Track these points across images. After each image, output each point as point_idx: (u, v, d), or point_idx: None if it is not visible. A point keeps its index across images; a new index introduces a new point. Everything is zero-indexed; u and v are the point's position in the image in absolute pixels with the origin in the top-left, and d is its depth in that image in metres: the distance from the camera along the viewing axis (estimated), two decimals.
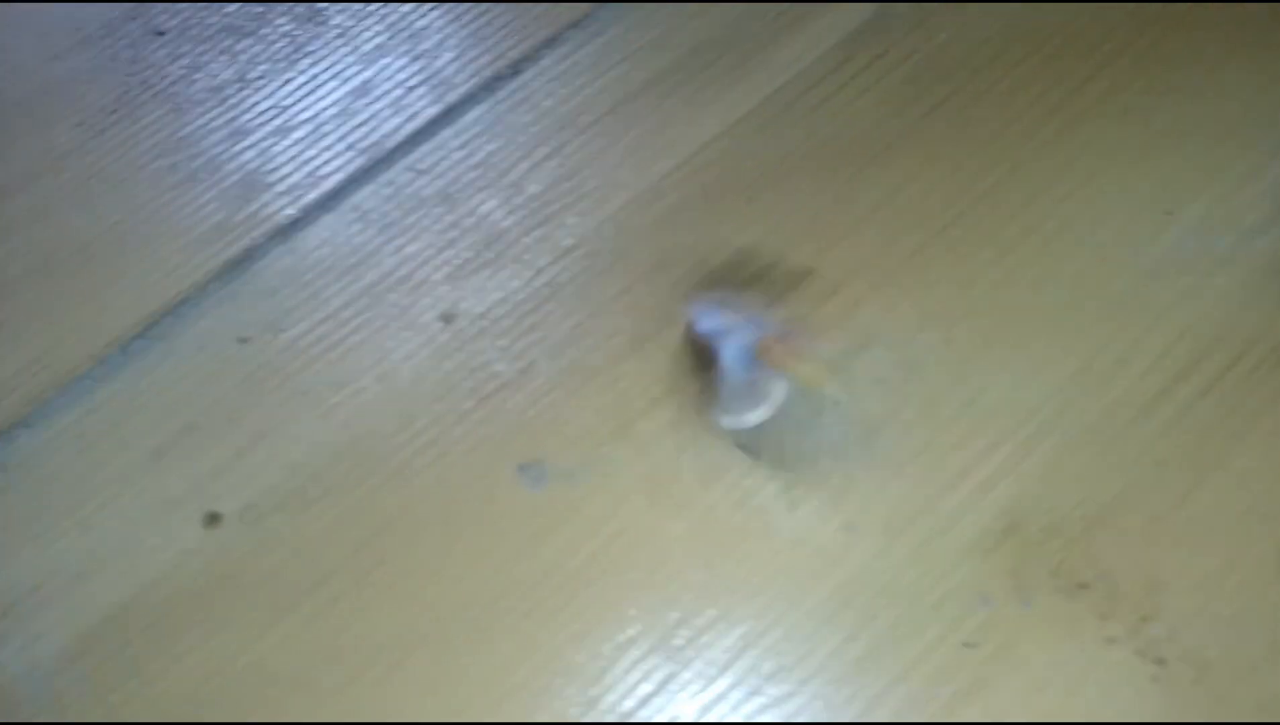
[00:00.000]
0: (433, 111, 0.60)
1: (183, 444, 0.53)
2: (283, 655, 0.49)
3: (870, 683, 0.47)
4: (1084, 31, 0.60)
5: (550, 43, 0.62)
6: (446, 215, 0.57)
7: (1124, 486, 0.50)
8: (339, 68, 0.62)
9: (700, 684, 0.47)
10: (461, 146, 0.59)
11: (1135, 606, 0.48)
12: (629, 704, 0.47)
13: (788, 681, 0.47)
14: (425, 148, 0.59)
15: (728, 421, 0.49)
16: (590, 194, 0.58)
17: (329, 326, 0.55)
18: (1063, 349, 0.53)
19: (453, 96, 0.61)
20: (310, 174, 0.59)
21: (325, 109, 0.61)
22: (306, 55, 0.62)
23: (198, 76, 0.62)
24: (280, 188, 0.59)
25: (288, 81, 0.62)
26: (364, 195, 0.58)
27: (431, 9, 0.63)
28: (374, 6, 0.63)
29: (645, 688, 0.47)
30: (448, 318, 0.55)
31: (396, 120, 0.60)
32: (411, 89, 0.61)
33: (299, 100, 0.61)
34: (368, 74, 0.62)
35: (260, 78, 0.62)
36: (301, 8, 0.64)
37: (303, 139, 0.60)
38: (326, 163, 0.59)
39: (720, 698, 0.47)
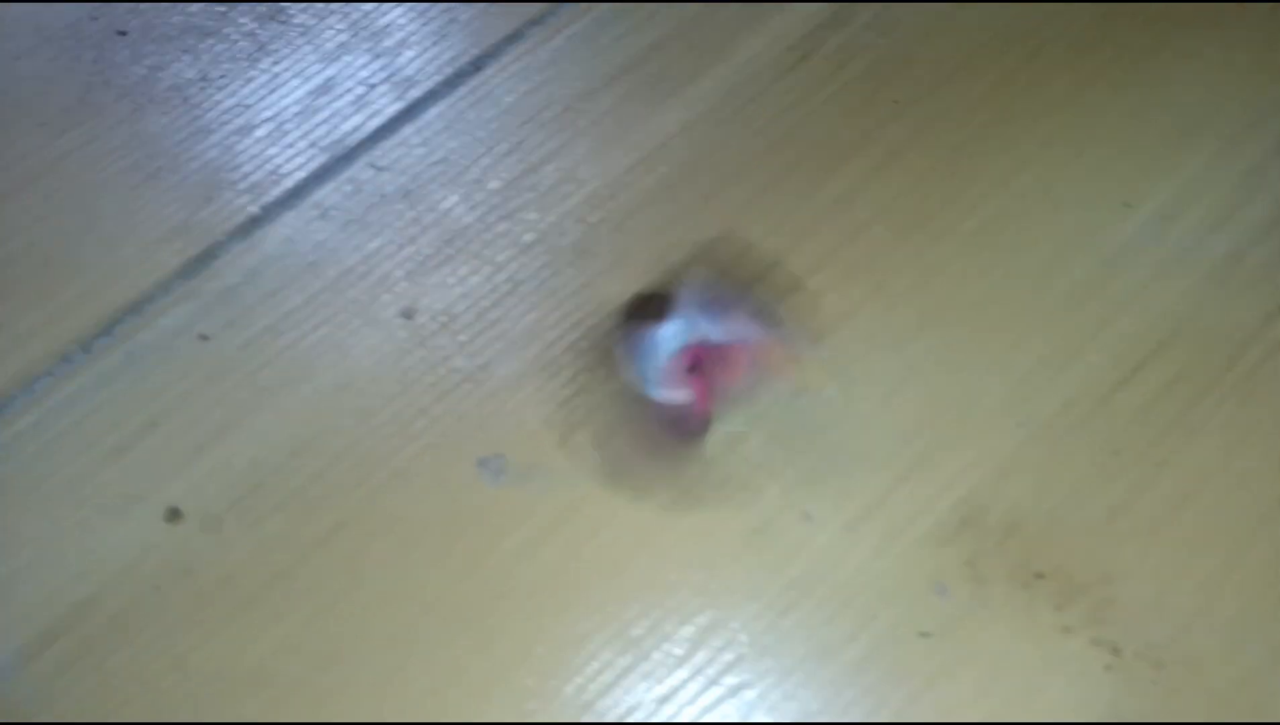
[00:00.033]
0: (394, 109, 0.60)
1: (144, 441, 0.53)
2: (242, 649, 0.49)
3: (828, 672, 0.47)
4: (1043, 30, 0.60)
5: (511, 39, 0.62)
6: (407, 212, 0.57)
7: (1081, 478, 0.50)
8: (301, 66, 0.62)
9: (660, 674, 0.47)
10: (423, 143, 0.59)
11: (1091, 597, 0.48)
12: (589, 694, 0.47)
13: (746, 672, 0.47)
14: (387, 145, 0.59)
15: (661, 394, 0.49)
16: (551, 190, 0.58)
17: (290, 323, 0.55)
18: (1022, 341, 0.53)
19: (414, 93, 0.61)
20: (272, 172, 0.59)
21: (287, 107, 0.61)
22: (269, 54, 0.63)
23: (160, 76, 0.62)
24: (242, 186, 0.59)
25: (250, 80, 0.62)
26: (325, 192, 0.58)
27: (393, 7, 0.63)
28: (336, 5, 0.63)
29: (605, 677, 0.47)
30: (408, 314, 0.55)
31: (358, 117, 0.60)
32: (373, 86, 0.61)
33: (261, 98, 0.61)
34: (330, 72, 0.62)
35: (222, 76, 0.62)
36: (264, 7, 0.64)
37: (264, 137, 0.60)
38: (288, 160, 0.59)
39: (679, 687, 0.47)
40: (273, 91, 0.61)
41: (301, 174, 0.59)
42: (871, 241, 0.55)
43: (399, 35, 0.62)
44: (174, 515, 0.51)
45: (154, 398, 0.54)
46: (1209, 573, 0.48)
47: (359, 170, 0.59)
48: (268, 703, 0.47)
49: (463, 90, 0.61)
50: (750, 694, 0.47)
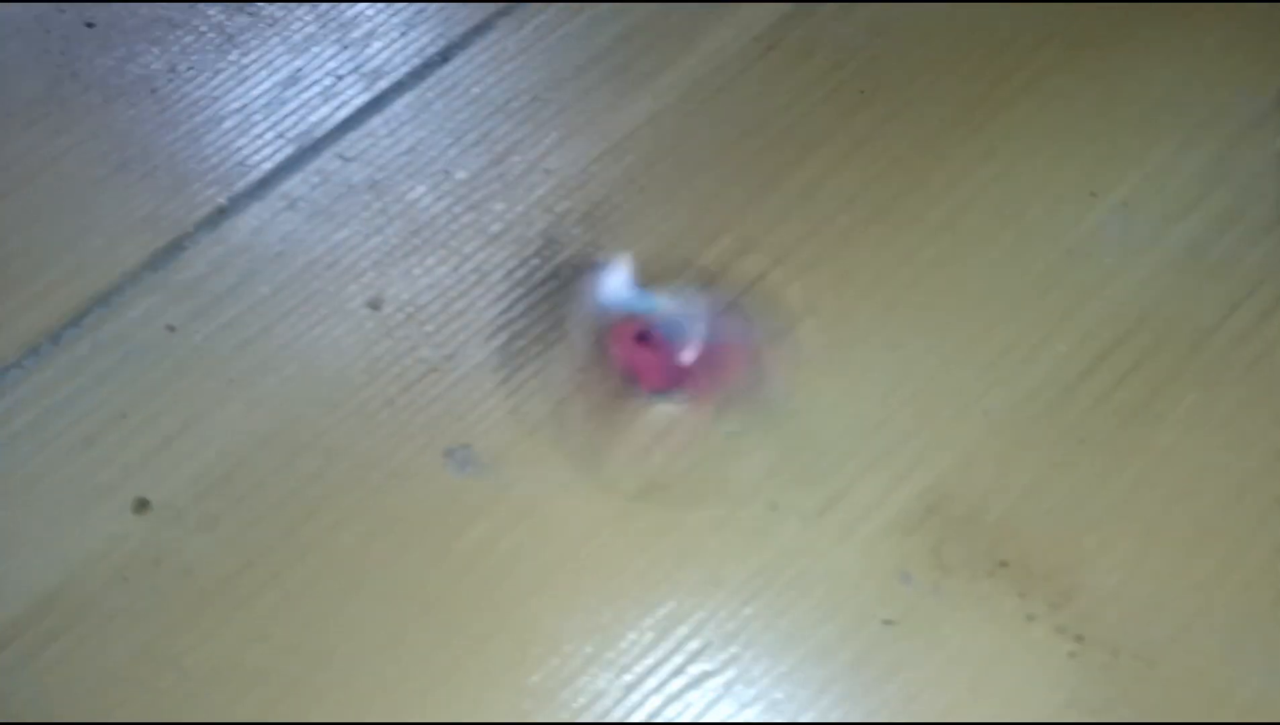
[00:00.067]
0: (362, 99, 0.60)
1: (112, 431, 0.53)
2: (209, 640, 0.49)
3: (793, 660, 0.47)
4: (1009, 20, 0.61)
5: (480, 30, 0.62)
6: (374, 202, 0.57)
7: (1045, 466, 0.50)
8: (269, 58, 0.62)
9: (624, 663, 0.48)
10: (390, 134, 0.59)
11: (1055, 585, 0.48)
12: (552, 683, 0.47)
13: (712, 660, 0.48)
14: (354, 135, 0.59)
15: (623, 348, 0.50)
16: (518, 180, 0.58)
17: (257, 314, 0.55)
18: (987, 330, 0.53)
19: (382, 84, 0.61)
20: (240, 163, 0.59)
21: (255, 98, 0.61)
22: (237, 46, 0.63)
23: (128, 68, 0.62)
24: (210, 177, 0.59)
25: (218, 72, 0.62)
26: (293, 183, 0.58)
27: None
28: None
29: (570, 666, 0.48)
30: (375, 304, 0.55)
31: (326, 109, 0.60)
32: (341, 78, 0.61)
33: (229, 90, 0.61)
34: (298, 63, 0.62)
35: (190, 69, 0.62)
36: None
37: (232, 128, 0.60)
38: (256, 152, 0.59)
39: (645, 674, 0.47)
40: (241, 83, 0.61)
41: (269, 165, 0.59)
42: (837, 231, 0.55)
43: (367, 26, 0.62)
44: (142, 506, 0.51)
45: (122, 389, 0.54)
46: (1173, 561, 0.48)
47: (326, 161, 0.59)
48: (233, 692, 0.48)
49: (430, 81, 0.61)
50: (715, 682, 0.47)
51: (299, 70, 0.61)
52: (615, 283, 0.49)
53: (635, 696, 0.47)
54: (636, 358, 0.49)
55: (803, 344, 0.53)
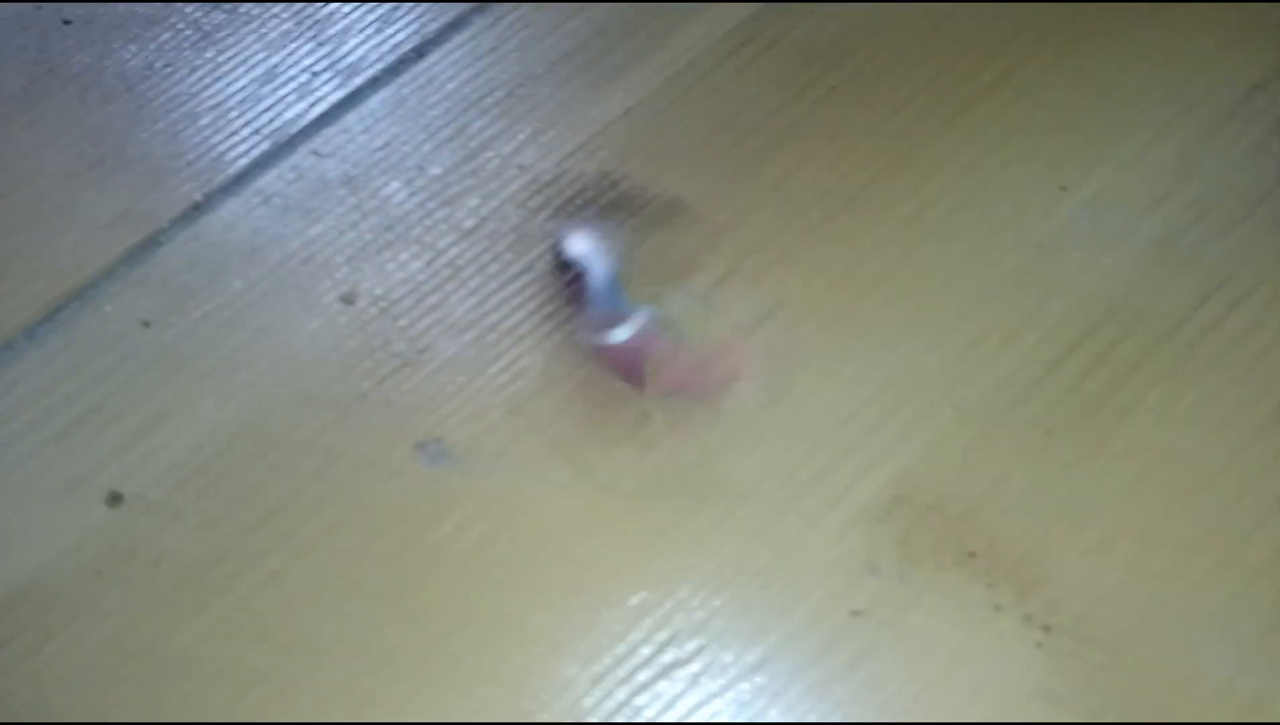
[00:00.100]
0: (337, 96, 0.61)
1: (86, 425, 0.53)
2: (182, 633, 0.49)
3: (760, 650, 0.47)
4: (979, 15, 0.61)
5: (454, 26, 0.62)
6: (349, 198, 0.58)
7: (1013, 457, 0.51)
8: (245, 54, 0.62)
9: (592, 653, 0.48)
10: (365, 130, 0.60)
11: (1022, 575, 0.49)
12: (521, 674, 0.47)
13: (680, 650, 0.48)
14: (329, 131, 0.60)
15: (595, 339, 0.50)
16: (492, 176, 0.58)
17: (231, 310, 0.55)
18: (956, 323, 0.53)
19: (357, 81, 0.61)
20: (216, 159, 0.59)
21: (232, 95, 0.61)
22: (214, 43, 0.63)
23: (105, 64, 0.62)
24: (186, 173, 0.59)
25: (195, 69, 0.62)
26: (268, 179, 0.59)
27: None
28: None
29: (539, 656, 0.48)
30: (348, 299, 0.55)
31: (301, 105, 0.61)
32: (317, 74, 0.61)
33: (206, 87, 0.62)
34: (274, 60, 0.62)
35: (167, 65, 0.62)
36: None
37: (208, 125, 0.60)
38: (232, 148, 0.60)
39: (614, 665, 0.48)
40: (217, 80, 0.62)
41: (245, 161, 0.59)
42: (808, 225, 0.56)
43: (343, 23, 0.63)
44: (115, 499, 0.51)
45: (96, 383, 0.54)
46: (1140, 551, 0.49)
47: (301, 157, 0.59)
48: (203, 682, 0.48)
49: (405, 77, 0.61)
50: (684, 672, 0.47)
51: (275, 67, 0.62)
52: (588, 279, 0.50)
53: (603, 687, 0.47)
54: (605, 352, 0.49)
55: (772, 338, 0.53)
